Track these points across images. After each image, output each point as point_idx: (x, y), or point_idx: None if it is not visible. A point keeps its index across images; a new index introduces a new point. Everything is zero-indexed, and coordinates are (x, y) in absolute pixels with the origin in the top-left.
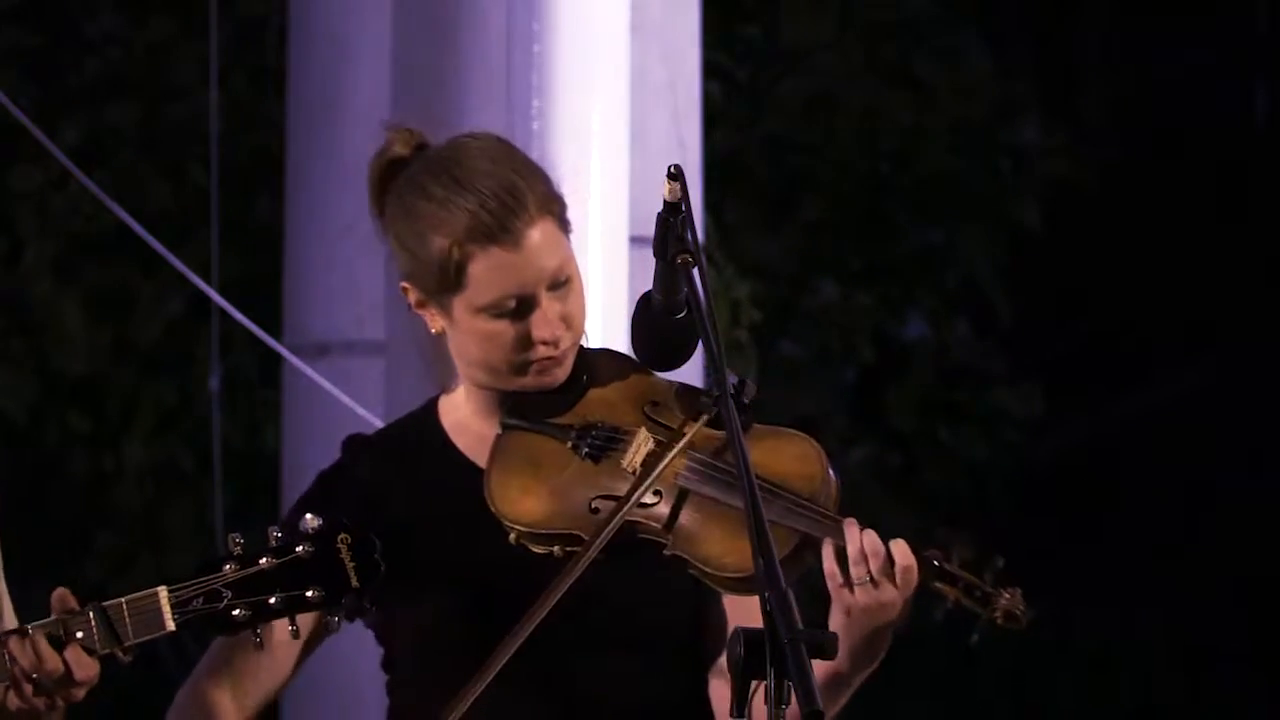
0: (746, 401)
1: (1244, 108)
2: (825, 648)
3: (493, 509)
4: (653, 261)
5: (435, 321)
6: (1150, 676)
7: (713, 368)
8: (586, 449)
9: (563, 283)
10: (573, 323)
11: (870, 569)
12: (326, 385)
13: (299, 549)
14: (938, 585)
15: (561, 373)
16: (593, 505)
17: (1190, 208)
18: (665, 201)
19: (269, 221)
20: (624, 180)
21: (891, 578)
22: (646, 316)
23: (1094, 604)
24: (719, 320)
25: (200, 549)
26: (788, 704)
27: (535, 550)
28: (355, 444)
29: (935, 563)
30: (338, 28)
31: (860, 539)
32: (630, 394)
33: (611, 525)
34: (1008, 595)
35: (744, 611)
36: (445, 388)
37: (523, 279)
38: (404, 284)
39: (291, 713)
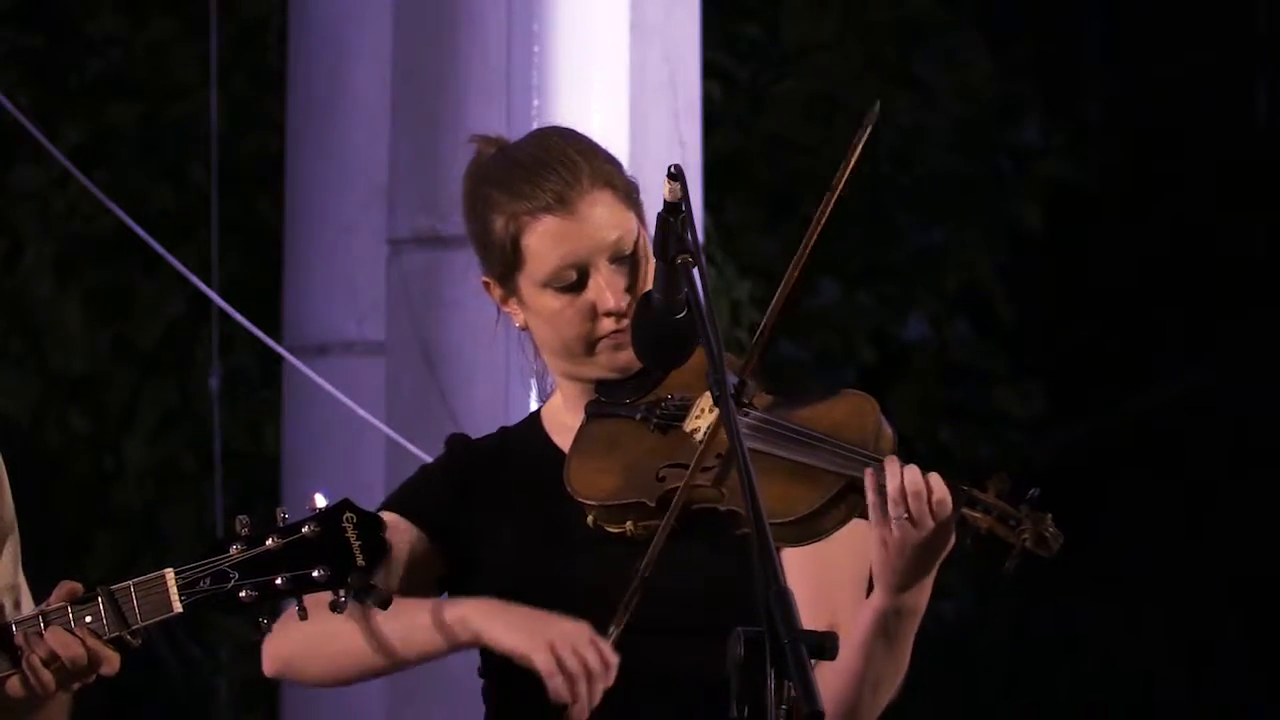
0: (746, 401)
1: (1244, 108)
2: (825, 648)
3: (569, 490)
4: (653, 261)
5: (517, 314)
6: (1150, 675)
7: (712, 368)
8: (655, 421)
9: (626, 256)
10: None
11: (910, 508)
12: (326, 385)
13: (305, 529)
14: (970, 514)
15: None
16: (660, 474)
17: (1190, 208)
18: (665, 201)
19: (269, 221)
20: None
21: (928, 516)
22: (646, 316)
23: (1094, 603)
24: (719, 320)
25: (201, 550)
26: (788, 704)
27: (610, 530)
28: (457, 439)
29: (968, 491)
30: (338, 28)
31: (901, 476)
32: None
33: (681, 491)
34: (1038, 521)
35: (798, 565)
36: (543, 394)
37: (577, 247)
38: (484, 279)
39: (291, 712)
